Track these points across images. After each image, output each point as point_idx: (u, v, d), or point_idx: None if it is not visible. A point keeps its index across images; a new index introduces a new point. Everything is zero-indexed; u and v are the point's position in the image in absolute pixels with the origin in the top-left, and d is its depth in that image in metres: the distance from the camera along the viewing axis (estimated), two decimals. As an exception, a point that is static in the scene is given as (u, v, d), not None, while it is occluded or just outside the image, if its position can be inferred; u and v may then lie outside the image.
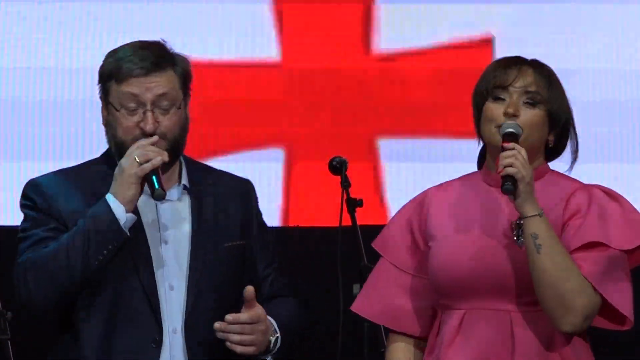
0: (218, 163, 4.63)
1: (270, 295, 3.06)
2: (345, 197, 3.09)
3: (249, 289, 2.88)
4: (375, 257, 2.90)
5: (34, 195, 2.94)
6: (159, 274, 2.92)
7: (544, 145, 2.86)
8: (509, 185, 2.71)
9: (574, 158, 2.90)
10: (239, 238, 3.04)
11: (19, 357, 2.89)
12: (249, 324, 2.88)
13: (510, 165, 2.70)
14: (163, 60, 2.93)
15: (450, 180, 2.96)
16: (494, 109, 2.83)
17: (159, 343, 2.89)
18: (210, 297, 2.96)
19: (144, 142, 2.86)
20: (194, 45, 5.08)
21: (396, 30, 5.22)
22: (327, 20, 5.27)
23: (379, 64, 5.26)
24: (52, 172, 3.04)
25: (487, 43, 5.11)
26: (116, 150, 2.93)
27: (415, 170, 5.16)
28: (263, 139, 5.27)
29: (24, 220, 2.95)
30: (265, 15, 5.22)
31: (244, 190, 3.14)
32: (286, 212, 5.15)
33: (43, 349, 2.92)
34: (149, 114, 2.90)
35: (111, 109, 2.92)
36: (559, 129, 2.87)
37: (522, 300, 2.82)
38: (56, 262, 2.83)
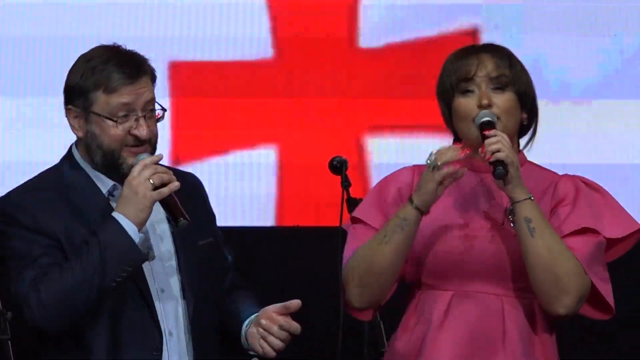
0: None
1: (230, 287, 3.07)
2: (345, 196, 3.07)
3: (297, 303, 2.90)
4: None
5: (17, 213, 2.86)
6: (149, 278, 2.89)
7: (518, 130, 2.87)
8: (501, 169, 2.70)
9: (534, 133, 2.91)
10: (210, 235, 3.04)
11: (19, 357, 2.86)
12: (291, 334, 2.88)
13: (499, 151, 2.70)
14: (143, 66, 2.90)
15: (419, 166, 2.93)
16: (466, 104, 2.82)
17: (159, 349, 2.87)
18: (199, 297, 2.94)
19: (148, 160, 2.83)
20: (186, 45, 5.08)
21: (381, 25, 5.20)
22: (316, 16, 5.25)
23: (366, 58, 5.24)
24: (21, 187, 2.94)
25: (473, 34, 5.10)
26: (104, 160, 2.87)
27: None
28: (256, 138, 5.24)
29: (10, 239, 2.86)
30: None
31: (198, 184, 3.14)
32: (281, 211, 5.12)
33: (43, 348, 2.88)
34: (142, 120, 2.87)
35: (96, 119, 2.86)
36: (529, 106, 2.87)
37: (513, 286, 2.82)
38: (74, 287, 2.77)
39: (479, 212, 2.84)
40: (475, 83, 2.80)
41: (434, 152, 2.75)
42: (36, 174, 2.99)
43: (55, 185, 2.93)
